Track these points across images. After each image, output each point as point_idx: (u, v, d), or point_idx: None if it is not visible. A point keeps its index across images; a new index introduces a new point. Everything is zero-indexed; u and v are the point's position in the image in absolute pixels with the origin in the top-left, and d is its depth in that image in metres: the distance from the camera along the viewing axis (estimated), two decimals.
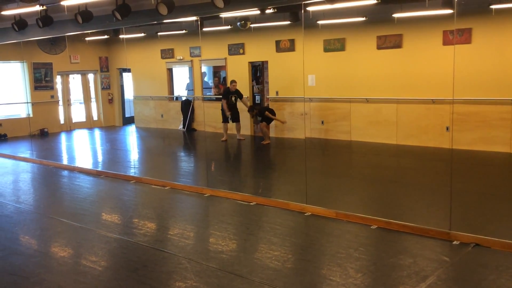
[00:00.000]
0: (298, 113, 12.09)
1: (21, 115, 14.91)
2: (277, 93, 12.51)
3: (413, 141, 10.48)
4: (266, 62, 12.93)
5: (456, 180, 6.63)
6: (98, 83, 16.37)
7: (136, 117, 16.15)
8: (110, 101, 16.65)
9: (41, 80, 14.90)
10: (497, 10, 8.88)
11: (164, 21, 9.61)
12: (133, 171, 9.21)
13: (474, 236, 4.93)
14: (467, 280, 4.21)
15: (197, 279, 4.32)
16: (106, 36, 14.33)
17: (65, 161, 10.69)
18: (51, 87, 15.15)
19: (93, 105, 16.59)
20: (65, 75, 15.64)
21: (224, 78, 14.26)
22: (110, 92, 16.62)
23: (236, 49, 13.08)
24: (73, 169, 9.53)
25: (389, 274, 4.35)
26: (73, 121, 16.05)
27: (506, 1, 8.55)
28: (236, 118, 12.21)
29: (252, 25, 11.20)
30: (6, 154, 11.47)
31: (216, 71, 16.33)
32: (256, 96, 14.13)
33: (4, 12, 9.07)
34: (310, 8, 8.78)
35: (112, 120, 16.76)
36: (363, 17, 10.15)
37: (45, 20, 9.06)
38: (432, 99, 10.11)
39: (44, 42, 14.60)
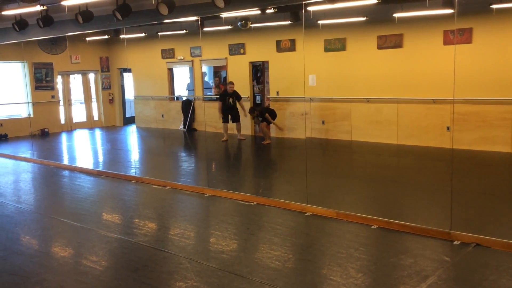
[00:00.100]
0: (299, 113, 12.09)
1: (22, 115, 14.92)
2: (277, 93, 12.51)
3: (413, 141, 10.48)
4: (267, 62, 12.93)
5: (457, 180, 6.63)
6: (99, 83, 16.38)
7: (137, 117, 16.16)
8: (111, 101, 16.66)
9: (41, 80, 14.91)
10: (497, 10, 8.87)
11: (165, 21, 9.61)
12: (133, 171, 9.22)
13: (475, 236, 4.93)
14: (467, 280, 4.21)
15: (198, 279, 4.32)
16: (106, 36, 14.33)
17: (65, 161, 10.69)
18: (51, 87, 15.15)
19: (94, 105, 16.60)
20: (65, 75, 15.65)
21: (225, 78, 14.25)
22: (111, 92, 16.63)
23: (236, 49, 13.08)
24: (73, 169, 9.53)
25: (389, 274, 4.35)
26: (74, 121, 16.06)
27: (507, 1, 8.54)
28: (236, 119, 12.20)
29: (253, 25, 11.20)
30: (7, 154, 11.49)
31: (217, 71, 16.33)
32: (257, 96, 14.12)
33: (5, 12, 9.08)
34: (310, 8, 8.78)
35: (113, 120, 16.76)
36: (363, 17, 10.14)
37: (45, 20, 9.06)
38: (432, 99, 10.10)
39: (44, 42, 14.60)
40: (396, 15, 9.64)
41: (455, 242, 4.95)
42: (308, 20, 10.43)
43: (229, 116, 12.17)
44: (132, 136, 14.37)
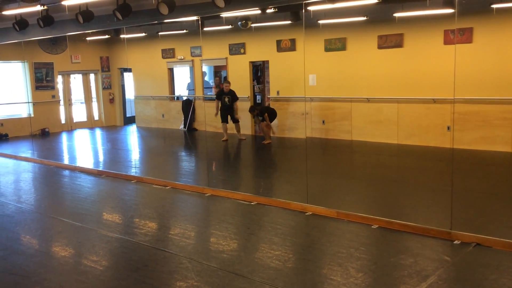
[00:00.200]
0: (299, 112, 12.09)
1: (22, 115, 14.92)
2: (278, 92, 12.51)
3: (414, 141, 10.48)
4: (267, 61, 12.93)
5: (457, 180, 6.63)
6: (99, 83, 16.38)
7: (137, 117, 16.16)
8: (111, 101, 16.66)
9: (42, 80, 14.91)
10: (498, 9, 8.87)
11: (165, 20, 9.61)
12: (134, 171, 9.22)
13: (475, 236, 4.93)
14: (468, 280, 4.21)
15: (198, 279, 4.32)
16: (107, 36, 14.34)
17: (66, 161, 10.70)
18: (52, 87, 15.16)
19: (94, 105, 16.61)
20: (66, 75, 15.66)
21: (225, 78, 14.25)
22: (111, 92, 16.63)
23: (237, 49, 13.08)
24: (74, 169, 9.54)
25: (390, 274, 4.35)
26: (74, 121, 16.06)
27: (507, 1, 8.53)
28: (234, 119, 12.17)
29: (253, 25, 11.20)
30: (8, 154, 11.49)
31: (217, 71, 16.34)
32: (257, 96, 14.13)
33: (5, 12, 9.08)
34: (311, 8, 8.78)
35: (113, 120, 16.77)
36: (364, 16, 10.15)
37: (46, 20, 9.07)
38: (433, 99, 10.10)
39: (45, 42, 14.61)
40: (396, 14, 9.64)
41: (456, 242, 4.95)
42: (309, 20, 10.43)
43: (228, 116, 12.16)
44: (132, 136, 14.37)
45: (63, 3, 8.04)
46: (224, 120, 12.14)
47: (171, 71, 15.06)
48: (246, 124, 13.05)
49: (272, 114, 11.63)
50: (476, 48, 9.48)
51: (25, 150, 12.05)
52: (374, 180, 7.88)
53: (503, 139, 9.38)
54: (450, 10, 8.61)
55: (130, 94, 16.82)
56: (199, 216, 6.57)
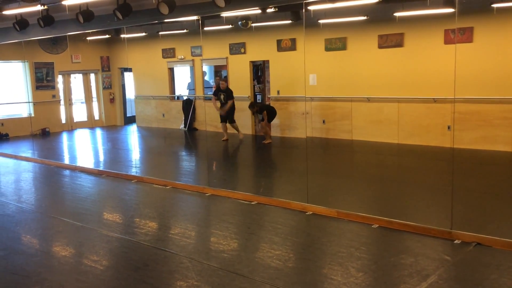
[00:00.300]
0: (299, 112, 12.09)
1: (23, 115, 14.93)
2: (278, 92, 12.51)
3: (414, 140, 10.47)
4: (267, 61, 12.92)
5: (458, 179, 6.62)
6: (100, 82, 16.39)
7: (138, 117, 16.17)
8: (112, 100, 16.66)
9: (42, 79, 14.92)
10: (498, 9, 8.86)
11: (165, 20, 9.61)
12: (134, 171, 9.22)
13: (476, 235, 4.92)
14: (468, 279, 4.20)
15: (199, 278, 4.32)
16: (107, 36, 14.34)
17: (66, 161, 10.70)
18: (52, 86, 15.16)
19: (95, 105, 16.61)
20: (66, 74, 15.66)
21: (225, 78, 14.25)
22: (112, 92, 16.63)
23: (237, 49, 13.07)
24: (74, 169, 9.54)
25: (390, 273, 4.34)
26: (75, 120, 16.06)
27: (508, 0, 8.53)
28: (230, 119, 12.01)
29: (253, 25, 11.20)
30: (8, 153, 11.49)
31: (218, 71, 16.34)
32: (257, 96, 14.13)
33: (6, 12, 9.08)
34: (311, 7, 8.78)
35: (114, 119, 16.77)
36: (364, 16, 10.15)
37: (46, 20, 9.07)
38: (433, 98, 10.09)
39: (45, 42, 14.61)
40: (397, 14, 9.64)
41: (456, 241, 4.95)
42: (309, 19, 10.42)
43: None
44: (133, 136, 14.38)
45: (63, 3, 8.04)
46: (223, 120, 12.12)
47: (171, 70, 15.06)
48: (247, 124, 13.06)
49: (272, 113, 11.61)
50: (476, 47, 9.47)
51: (26, 150, 12.05)
52: (375, 179, 7.88)
53: (504, 138, 9.37)
54: (450, 10, 8.61)
55: (130, 93, 16.82)
56: (200, 215, 6.57)
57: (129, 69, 16.14)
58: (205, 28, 11.88)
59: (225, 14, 9.38)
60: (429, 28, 9.96)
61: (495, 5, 8.68)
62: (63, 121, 15.67)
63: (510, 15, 9.09)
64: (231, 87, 12.73)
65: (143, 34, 13.59)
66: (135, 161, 10.42)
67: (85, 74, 16.21)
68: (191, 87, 15.44)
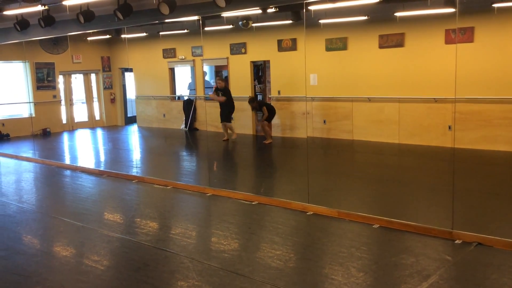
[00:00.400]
0: (300, 112, 12.08)
1: (24, 115, 14.93)
2: (279, 92, 12.51)
3: (415, 140, 10.47)
4: (268, 61, 12.93)
5: (459, 179, 6.61)
6: (100, 82, 16.39)
7: (138, 117, 16.17)
8: (112, 100, 16.67)
9: (43, 80, 14.93)
10: (499, 8, 8.86)
11: (166, 20, 9.61)
12: (135, 171, 9.22)
13: (477, 235, 4.92)
14: (469, 279, 4.20)
15: (199, 278, 4.33)
16: (108, 36, 14.34)
17: (67, 161, 10.71)
18: (53, 87, 15.17)
19: (95, 105, 16.61)
20: (67, 75, 15.67)
21: (226, 78, 14.26)
22: (112, 92, 16.64)
23: (238, 49, 13.08)
24: (75, 169, 9.55)
25: (391, 273, 4.34)
26: (75, 120, 16.07)
27: (509, 0, 8.52)
28: (226, 118, 11.94)
29: (254, 25, 11.19)
30: (9, 153, 11.50)
31: (218, 71, 16.35)
32: (258, 96, 14.14)
33: (6, 12, 9.09)
34: (312, 7, 8.78)
35: (114, 119, 16.78)
36: (365, 16, 10.15)
37: (47, 20, 9.07)
38: (434, 98, 10.09)
39: (46, 42, 14.62)
40: (397, 14, 9.63)
41: (457, 241, 4.94)
42: (309, 20, 10.42)
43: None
44: (133, 136, 14.38)
45: (64, 3, 8.05)
46: (223, 120, 12.08)
47: (172, 71, 15.06)
48: (248, 123, 13.06)
49: (271, 112, 11.58)
50: (477, 47, 9.47)
51: (27, 150, 12.06)
52: (375, 179, 7.88)
53: (505, 138, 9.36)
54: (451, 10, 8.60)
55: (131, 94, 16.82)
56: (200, 215, 6.57)
57: (129, 69, 16.15)
58: (206, 28, 11.88)
59: (225, 14, 9.38)
60: (430, 28, 9.95)
61: (495, 5, 8.68)
62: (64, 121, 15.68)
63: (511, 15, 9.08)
64: (232, 87, 12.74)
65: (144, 34, 13.59)
66: (135, 161, 10.42)
67: (86, 74, 16.21)
68: (192, 87, 15.44)
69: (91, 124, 16.38)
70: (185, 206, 7.03)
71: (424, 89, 10.20)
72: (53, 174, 9.38)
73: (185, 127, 14.52)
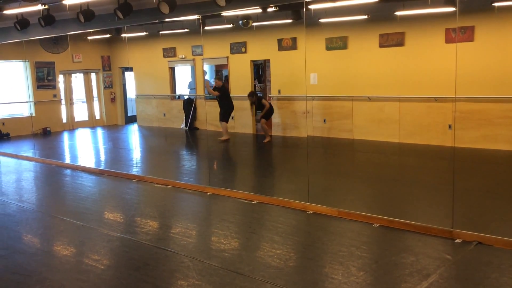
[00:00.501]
0: (300, 111, 12.08)
1: (24, 114, 14.94)
2: (279, 91, 12.50)
3: (415, 139, 10.46)
4: (268, 60, 12.92)
5: (459, 178, 6.62)
6: (100, 82, 16.39)
7: (138, 116, 16.17)
8: (113, 100, 16.67)
9: (43, 79, 14.93)
10: (499, 7, 8.85)
11: (166, 20, 9.61)
12: (135, 170, 9.23)
13: (477, 234, 4.92)
14: (469, 278, 4.20)
15: (199, 278, 4.33)
16: (108, 35, 14.34)
17: (67, 160, 10.70)
18: (53, 86, 15.17)
19: (96, 104, 16.62)
20: (67, 74, 15.67)
21: (226, 77, 14.26)
22: (112, 91, 16.64)
23: (238, 48, 13.07)
24: (75, 168, 9.55)
25: (391, 272, 4.34)
26: (76, 120, 16.08)
27: None
28: (223, 117, 11.88)
29: (254, 24, 11.19)
30: (9, 153, 11.50)
31: (218, 70, 16.34)
32: (258, 94, 14.12)
33: (6, 11, 9.09)
34: (312, 6, 8.77)
35: (115, 119, 16.78)
36: (365, 15, 10.14)
37: (47, 19, 9.07)
38: (434, 97, 10.08)
39: (46, 41, 14.62)
40: (398, 13, 9.63)
41: (457, 241, 4.94)
42: (310, 19, 10.42)
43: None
44: (133, 135, 14.39)
45: (64, 2, 8.04)
46: (221, 119, 12.02)
47: (172, 70, 15.06)
48: (248, 123, 13.06)
49: (269, 109, 11.53)
50: (477, 46, 9.46)
51: (27, 149, 12.06)
52: (375, 178, 7.88)
53: (505, 137, 9.36)
54: (451, 9, 8.60)
55: (131, 93, 16.83)
56: (200, 215, 6.58)
57: (130, 68, 16.14)
58: (206, 28, 11.87)
59: (225, 13, 9.37)
60: (430, 27, 9.95)
61: (496, 4, 8.67)
62: (64, 120, 15.68)
63: (511, 14, 9.08)
64: (232, 86, 12.75)
65: (144, 33, 13.59)
66: (136, 160, 10.43)
67: (86, 73, 16.21)
68: (192, 87, 15.44)
69: (91, 124, 16.38)
70: (185, 205, 7.04)
71: (424, 88, 10.20)
72: (53, 173, 9.39)
73: (185, 126, 14.52)
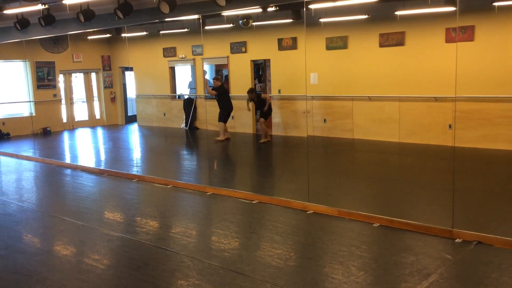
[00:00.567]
0: (300, 111, 12.08)
1: (24, 114, 14.94)
2: (279, 91, 12.50)
3: (415, 139, 10.46)
4: (268, 60, 12.92)
5: (459, 178, 6.62)
6: (101, 81, 16.39)
7: (139, 116, 16.18)
8: (113, 99, 16.67)
9: (43, 79, 14.93)
10: (500, 7, 8.85)
11: (166, 19, 9.61)
12: (135, 170, 9.22)
13: (477, 234, 4.92)
14: (469, 278, 4.20)
15: (199, 277, 4.33)
16: (108, 35, 14.34)
17: (67, 160, 10.70)
18: (53, 86, 15.17)
19: (96, 104, 16.62)
20: (67, 74, 15.67)
21: (226, 76, 14.26)
22: (113, 91, 16.64)
23: (238, 48, 13.07)
24: (75, 168, 9.55)
25: (391, 272, 4.34)
26: (76, 119, 16.08)
27: None
28: (221, 117, 11.86)
29: (254, 23, 11.19)
30: (9, 152, 11.51)
31: (219, 70, 16.34)
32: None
33: (7, 11, 9.09)
34: (312, 6, 8.77)
35: (115, 118, 16.78)
36: (365, 14, 10.14)
37: (47, 19, 9.07)
38: (434, 97, 10.08)
39: (46, 41, 14.62)
40: (398, 13, 9.62)
41: (457, 240, 4.94)
42: (310, 18, 10.42)
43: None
44: (134, 135, 14.39)
45: (64, 2, 8.04)
46: (220, 120, 11.99)
47: (172, 69, 15.06)
48: (248, 122, 13.06)
49: (268, 108, 11.51)
50: (477, 46, 9.46)
51: (27, 149, 12.06)
52: (376, 178, 7.88)
53: (505, 137, 9.36)
54: (451, 8, 8.60)
55: (131, 93, 16.83)
56: (201, 214, 6.58)
57: (130, 68, 16.14)
58: (206, 27, 11.87)
59: (226, 13, 9.37)
60: (430, 27, 9.94)
61: (496, 4, 8.67)
62: (64, 120, 15.69)
63: (511, 14, 9.07)
64: (232, 86, 12.74)
65: (144, 33, 13.59)
66: (136, 160, 10.43)
67: (86, 73, 16.22)
68: (192, 86, 15.43)
69: (91, 123, 16.39)
70: (185, 205, 7.04)
71: (424, 88, 10.20)
72: (53, 173, 9.39)
73: (186, 126, 14.52)
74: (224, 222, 5.91)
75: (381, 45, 10.71)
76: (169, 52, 14.73)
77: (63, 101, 15.62)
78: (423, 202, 6.43)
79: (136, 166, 9.74)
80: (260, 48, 12.67)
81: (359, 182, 7.71)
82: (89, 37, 14.70)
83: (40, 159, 10.62)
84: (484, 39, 9.40)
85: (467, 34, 9.50)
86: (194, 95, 14.67)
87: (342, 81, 11.36)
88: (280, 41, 12.19)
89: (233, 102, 12.15)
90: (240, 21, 10.89)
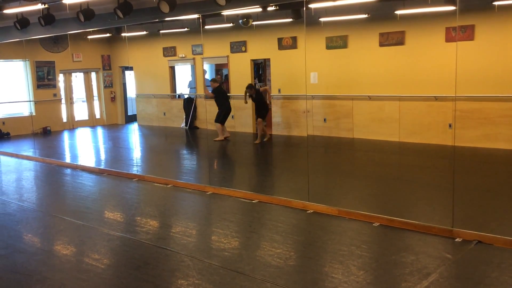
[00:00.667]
0: (300, 110, 12.08)
1: (24, 114, 14.94)
2: (279, 90, 12.50)
3: (415, 138, 10.46)
4: (268, 59, 12.92)
5: (459, 177, 6.62)
6: (101, 81, 16.39)
7: (139, 115, 16.17)
8: (113, 99, 16.67)
9: (43, 78, 14.92)
10: (500, 6, 8.85)
11: (166, 19, 9.61)
12: (135, 169, 9.22)
13: (477, 233, 4.92)
14: (469, 278, 4.20)
15: (200, 277, 4.33)
16: (108, 34, 14.33)
17: (67, 159, 10.70)
18: (53, 85, 15.17)
19: (96, 103, 16.62)
20: (67, 73, 15.67)
21: (226, 76, 14.26)
22: (113, 90, 16.64)
23: (238, 47, 13.07)
24: (75, 167, 9.55)
25: (391, 272, 4.34)
26: (76, 119, 16.08)
27: None
28: (217, 118, 11.85)
29: (254, 23, 11.18)
30: (9, 152, 11.51)
31: (218, 69, 16.34)
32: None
33: (7, 11, 9.08)
34: (312, 5, 8.77)
35: (115, 118, 16.78)
36: (365, 14, 10.13)
37: (47, 19, 9.07)
38: (434, 96, 10.08)
39: (46, 41, 14.62)
40: (398, 12, 9.62)
41: (457, 240, 4.95)
42: (310, 18, 10.41)
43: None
44: (134, 134, 14.38)
45: (64, 1, 8.04)
46: (217, 120, 11.96)
47: (172, 69, 15.06)
48: (248, 122, 13.06)
49: (265, 109, 11.50)
50: (477, 45, 9.46)
51: (27, 148, 12.06)
52: (376, 178, 7.88)
53: (505, 136, 9.36)
54: (451, 8, 8.60)
55: (131, 92, 16.83)
56: (201, 214, 6.58)
57: (130, 67, 16.14)
58: (206, 27, 11.87)
59: (226, 12, 9.37)
60: (430, 26, 9.94)
61: (496, 3, 8.67)
62: (64, 119, 15.69)
63: (511, 13, 9.07)
64: (232, 85, 12.73)
65: (144, 32, 13.59)
66: (136, 159, 10.43)
67: (86, 72, 16.22)
68: (192, 86, 15.43)
69: (91, 123, 16.39)
70: (185, 205, 7.04)
71: (424, 87, 10.19)
72: (53, 172, 9.39)
73: (186, 125, 14.52)
74: (224, 221, 5.91)
75: (381, 45, 10.71)
76: (169, 52, 14.73)
77: (63, 101, 15.62)
78: (423, 201, 6.43)
79: (136, 165, 9.74)
80: (260, 47, 12.67)
81: (359, 182, 7.71)
82: (89, 37, 14.70)
83: (40, 158, 10.62)
84: (484, 38, 9.39)
85: (467, 33, 9.50)
86: (194, 95, 14.67)
87: (342, 80, 11.35)
88: (280, 40, 12.19)
89: (233, 101, 12.13)
90: (240, 21, 10.89)
